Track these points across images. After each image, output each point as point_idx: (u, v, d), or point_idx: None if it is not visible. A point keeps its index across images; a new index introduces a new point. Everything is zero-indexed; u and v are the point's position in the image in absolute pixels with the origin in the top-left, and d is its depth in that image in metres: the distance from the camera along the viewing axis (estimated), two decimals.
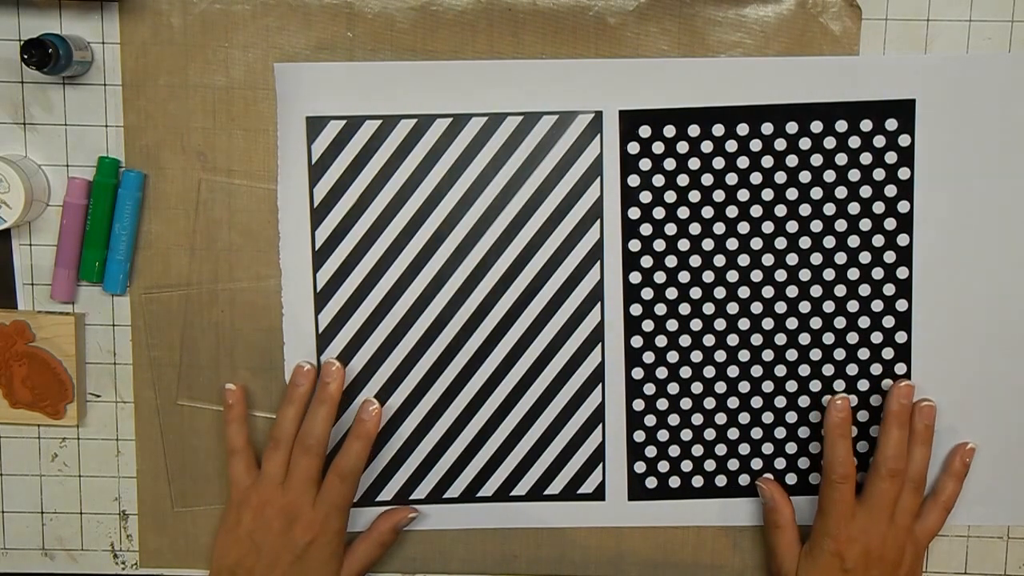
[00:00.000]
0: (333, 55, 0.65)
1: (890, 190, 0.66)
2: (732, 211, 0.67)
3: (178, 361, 0.68)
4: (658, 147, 0.66)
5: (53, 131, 0.66)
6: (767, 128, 0.66)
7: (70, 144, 0.66)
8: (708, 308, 0.68)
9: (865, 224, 0.67)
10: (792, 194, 0.66)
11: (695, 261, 0.67)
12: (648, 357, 0.68)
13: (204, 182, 0.67)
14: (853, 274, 0.67)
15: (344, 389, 0.68)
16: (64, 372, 0.68)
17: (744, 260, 0.67)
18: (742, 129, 0.66)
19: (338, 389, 0.66)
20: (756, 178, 0.66)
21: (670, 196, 0.67)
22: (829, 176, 0.66)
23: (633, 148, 0.66)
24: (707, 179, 0.66)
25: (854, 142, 0.66)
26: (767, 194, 0.67)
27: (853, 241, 0.67)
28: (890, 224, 0.67)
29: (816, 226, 0.67)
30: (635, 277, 0.67)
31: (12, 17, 0.65)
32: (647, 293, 0.68)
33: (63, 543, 0.71)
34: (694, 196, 0.67)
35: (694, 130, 0.66)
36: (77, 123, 0.66)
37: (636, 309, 0.68)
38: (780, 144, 0.66)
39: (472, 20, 0.65)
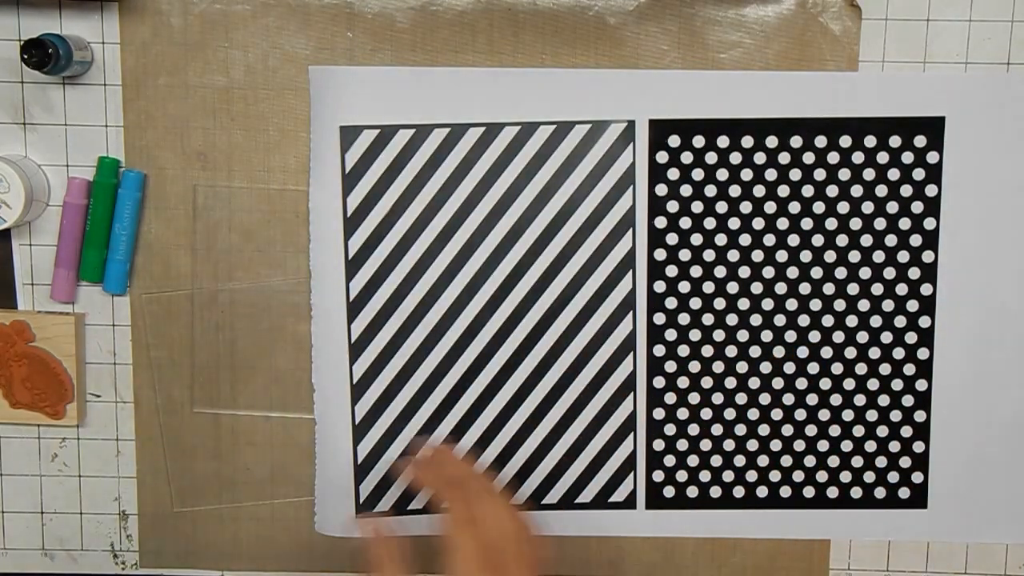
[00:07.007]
0: (333, 55, 0.65)
1: (917, 206, 0.66)
2: (758, 223, 0.66)
3: (190, 366, 0.68)
4: (687, 157, 0.66)
5: (53, 131, 0.66)
6: (796, 141, 0.66)
7: (70, 144, 0.66)
8: (731, 319, 0.67)
9: (891, 240, 0.66)
10: (819, 208, 0.66)
11: (720, 272, 0.67)
12: (670, 366, 0.68)
13: (203, 182, 0.67)
14: (877, 289, 0.67)
15: (377, 397, 0.68)
16: (64, 372, 0.68)
17: (769, 272, 0.67)
18: (771, 141, 0.66)
19: None
20: (783, 191, 0.66)
21: (697, 206, 0.66)
22: (856, 191, 0.66)
23: (662, 157, 0.66)
24: (735, 190, 0.66)
25: (882, 158, 0.66)
26: (794, 207, 0.66)
27: (878, 256, 0.67)
28: (916, 240, 0.66)
29: (842, 240, 0.66)
30: (659, 286, 0.67)
31: (12, 17, 0.65)
32: (671, 303, 0.67)
33: (63, 543, 0.71)
34: (721, 207, 0.66)
35: (723, 141, 0.66)
36: (77, 123, 0.66)
37: (659, 318, 0.67)
38: (808, 158, 0.66)
39: (472, 20, 0.65)
